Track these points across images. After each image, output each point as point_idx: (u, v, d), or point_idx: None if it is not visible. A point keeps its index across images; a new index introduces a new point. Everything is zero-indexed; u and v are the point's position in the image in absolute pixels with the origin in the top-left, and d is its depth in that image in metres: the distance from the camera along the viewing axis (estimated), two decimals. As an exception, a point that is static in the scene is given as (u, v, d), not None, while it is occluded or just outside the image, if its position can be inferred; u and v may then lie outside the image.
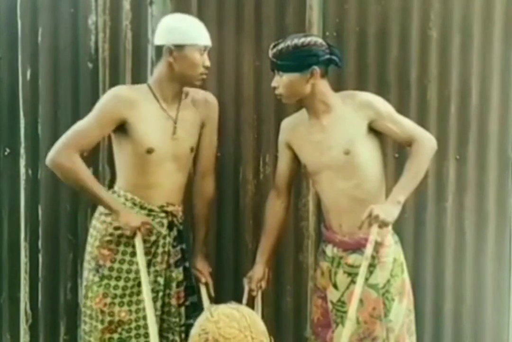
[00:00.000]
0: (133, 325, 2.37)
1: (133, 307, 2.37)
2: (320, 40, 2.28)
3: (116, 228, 2.35)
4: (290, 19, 2.89)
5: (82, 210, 2.94)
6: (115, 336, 2.35)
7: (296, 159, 2.45)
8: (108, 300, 2.34)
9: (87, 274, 2.40)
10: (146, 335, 2.35)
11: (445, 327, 3.01)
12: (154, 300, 2.35)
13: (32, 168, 2.95)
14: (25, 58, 2.91)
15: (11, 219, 2.98)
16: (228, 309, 1.91)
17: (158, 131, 2.35)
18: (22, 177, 2.96)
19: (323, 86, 2.30)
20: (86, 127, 2.30)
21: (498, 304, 3.04)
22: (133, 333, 2.37)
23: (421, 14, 2.91)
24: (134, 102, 2.32)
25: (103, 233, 2.36)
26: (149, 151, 2.33)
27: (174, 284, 2.42)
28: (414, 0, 2.91)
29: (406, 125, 2.31)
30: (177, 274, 2.43)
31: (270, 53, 2.27)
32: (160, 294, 2.37)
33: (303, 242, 2.97)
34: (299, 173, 2.60)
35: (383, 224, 2.11)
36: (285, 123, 2.49)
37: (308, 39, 2.25)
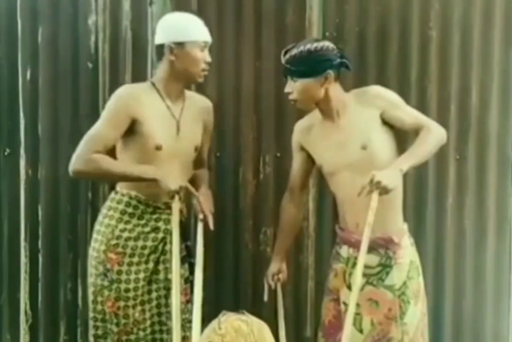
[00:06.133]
0: (148, 323, 2.36)
1: (146, 306, 2.36)
2: (331, 45, 2.28)
3: (122, 230, 2.34)
4: (290, 19, 2.90)
5: (82, 210, 2.95)
6: (132, 337, 2.35)
7: (310, 161, 2.45)
8: (121, 303, 2.32)
9: (94, 279, 2.36)
10: (161, 331, 2.36)
11: (445, 327, 3.01)
12: (165, 297, 2.36)
13: (32, 168, 2.95)
14: (25, 58, 2.91)
15: (11, 219, 2.98)
16: (237, 321, 1.86)
17: (164, 129, 2.35)
18: (22, 177, 2.96)
19: (336, 89, 2.30)
20: (100, 131, 2.28)
21: (498, 304, 3.04)
22: (148, 331, 2.37)
23: (421, 14, 2.91)
24: (141, 99, 2.31)
25: (109, 237, 2.34)
26: (158, 148, 2.31)
27: (182, 281, 2.40)
28: (414, 0, 2.91)
29: (416, 114, 2.31)
30: (184, 270, 2.42)
31: (283, 59, 2.27)
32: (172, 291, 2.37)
33: (303, 242, 2.97)
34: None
35: (384, 191, 2.08)
36: (299, 125, 2.48)
37: (321, 44, 2.25)
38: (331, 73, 2.24)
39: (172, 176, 2.28)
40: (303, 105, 2.34)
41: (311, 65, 2.23)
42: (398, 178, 2.11)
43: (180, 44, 2.31)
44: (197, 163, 2.56)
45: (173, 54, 2.31)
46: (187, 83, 2.43)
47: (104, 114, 2.31)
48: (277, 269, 2.49)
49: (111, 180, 2.38)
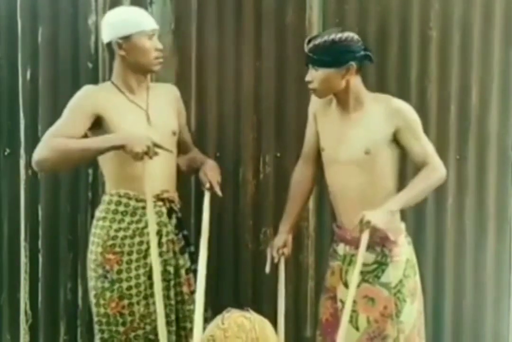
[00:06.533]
0: (154, 316, 2.34)
1: (150, 300, 2.35)
2: (356, 36, 2.26)
3: (117, 230, 2.34)
4: (290, 19, 2.90)
5: (82, 210, 2.95)
6: (140, 332, 2.35)
7: None
8: (125, 301, 2.32)
9: (95, 282, 2.36)
10: (167, 323, 2.34)
11: (445, 327, 3.01)
12: (167, 288, 2.36)
13: (32, 169, 2.93)
14: (25, 58, 2.91)
15: (11, 219, 2.98)
16: (241, 317, 1.89)
17: (132, 121, 2.34)
18: (22, 177, 2.96)
19: (357, 82, 2.29)
20: (60, 127, 2.27)
21: (498, 304, 3.04)
22: (155, 324, 2.34)
23: (421, 14, 2.91)
24: (103, 97, 2.33)
25: (105, 238, 2.34)
26: None
27: (183, 272, 2.41)
28: (414, 0, 2.91)
29: (427, 147, 2.29)
30: (184, 261, 2.43)
31: (306, 47, 2.25)
32: (172, 282, 2.37)
33: (303, 242, 2.97)
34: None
35: (373, 230, 2.11)
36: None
37: (346, 34, 2.24)
38: (353, 65, 2.22)
39: (136, 135, 2.24)
40: (322, 95, 2.32)
41: (334, 56, 2.20)
42: (387, 218, 2.13)
43: (126, 38, 2.31)
44: (184, 148, 2.58)
45: (122, 49, 2.32)
46: (144, 74, 2.40)
47: (66, 113, 2.32)
48: (282, 242, 2.44)
49: (78, 162, 2.31)
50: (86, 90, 2.38)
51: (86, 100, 2.33)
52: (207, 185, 2.40)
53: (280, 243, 2.45)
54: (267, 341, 1.89)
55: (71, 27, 2.90)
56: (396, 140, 2.28)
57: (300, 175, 2.49)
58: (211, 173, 2.45)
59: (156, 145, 2.23)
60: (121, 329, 2.35)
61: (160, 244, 2.36)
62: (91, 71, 2.90)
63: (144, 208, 2.35)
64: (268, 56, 2.89)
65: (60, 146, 2.20)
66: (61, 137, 2.22)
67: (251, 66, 2.91)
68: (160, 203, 2.38)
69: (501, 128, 2.99)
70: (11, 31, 2.91)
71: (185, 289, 2.41)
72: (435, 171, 2.24)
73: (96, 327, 2.39)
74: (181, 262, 2.42)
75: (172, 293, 2.38)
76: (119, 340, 2.35)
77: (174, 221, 2.43)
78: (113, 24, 2.34)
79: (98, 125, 2.32)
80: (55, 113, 2.90)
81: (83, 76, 2.90)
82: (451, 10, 2.92)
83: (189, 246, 2.49)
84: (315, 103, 2.44)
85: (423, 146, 2.28)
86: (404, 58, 2.92)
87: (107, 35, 2.36)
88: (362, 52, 2.25)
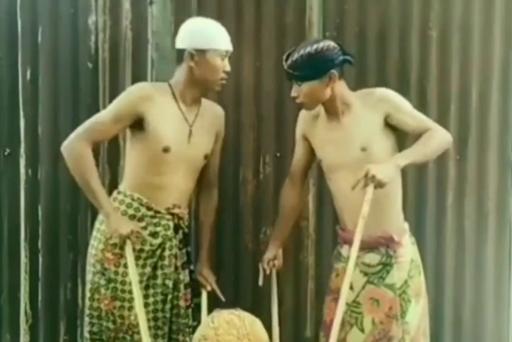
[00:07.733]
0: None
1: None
2: (332, 43, 2.25)
3: None
4: (290, 19, 2.90)
5: (82, 210, 2.94)
6: (127, 337, 2.35)
7: (312, 151, 2.44)
8: (117, 303, 2.32)
9: (92, 277, 2.36)
10: (157, 336, 2.36)
11: (445, 327, 3.01)
12: (163, 302, 2.36)
13: (32, 168, 2.95)
14: (25, 58, 2.92)
15: (11, 219, 2.98)
16: (230, 315, 1.91)
17: (175, 132, 2.34)
18: (22, 177, 2.96)
19: (342, 87, 2.29)
20: (101, 120, 2.29)
21: (498, 304, 3.04)
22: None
23: (421, 14, 2.91)
24: (153, 98, 2.30)
25: (107, 236, 2.33)
26: (166, 150, 2.30)
27: (181, 286, 2.41)
28: (414, 0, 2.91)
29: (422, 118, 2.29)
30: (184, 276, 2.43)
31: (285, 65, 2.24)
32: (169, 296, 2.37)
33: (303, 242, 2.97)
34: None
35: (378, 185, 2.07)
36: (304, 115, 2.45)
37: (321, 44, 2.22)
38: (334, 73, 2.22)
39: (125, 219, 2.29)
40: (311, 107, 2.33)
41: (314, 68, 2.20)
42: (393, 172, 2.10)
43: (202, 52, 2.30)
44: (207, 172, 2.54)
45: (194, 60, 2.30)
46: (204, 91, 2.41)
47: (111, 105, 2.32)
48: (273, 255, 2.50)
49: (79, 181, 2.31)
50: (140, 88, 2.35)
51: (135, 99, 2.30)
52: (209, 288, 2.49)
53: (270, 256, 2.50)
54: (258, 336, 1.90)
55: (71, 27, 2.90)
56: (390, 126, 2.29)
57: (289, 194, 2.52)
58: (209, 277, 2.52)
59: (138, 233, 2.26)
60: (111, 326, 2.35)
61: (162, 257, 2.37)
62: (91, 71, 2.90)
63: (152, 217, 2.36)
64: (268, 56, 2.89)
65: (80, 159, 2.26)
66: (97, 137, 2.28)
67: (251, 66, 2.91)
68: (169, 217, 2.37)
69: (501, 128, 2.99)
70: (11, 31, 2.91)
71: (181, 303, 2.41)
72: (438, 132, 2.23)
73: (86, 320, 2.39)
74: (181, 276, 2.41)
75: (168, 306, 2.37)
76: (107, 336, 2.36)
77: (180, 235, 2.42)
78: (193, 34, 2.32)
79: (139, 125, 2.31)
80: (55, 114, 2.93)
81: (83, 76, 2.91)
82: (451, 10, 2.92)
83: (190, 263, 2.50)
84: (301, 124, 2.46)
85: (417, 118, 2.28)
86: (404, 58, 2.92)
87: (183, 42, 2.34)
88: (341, 58, 2.24)
